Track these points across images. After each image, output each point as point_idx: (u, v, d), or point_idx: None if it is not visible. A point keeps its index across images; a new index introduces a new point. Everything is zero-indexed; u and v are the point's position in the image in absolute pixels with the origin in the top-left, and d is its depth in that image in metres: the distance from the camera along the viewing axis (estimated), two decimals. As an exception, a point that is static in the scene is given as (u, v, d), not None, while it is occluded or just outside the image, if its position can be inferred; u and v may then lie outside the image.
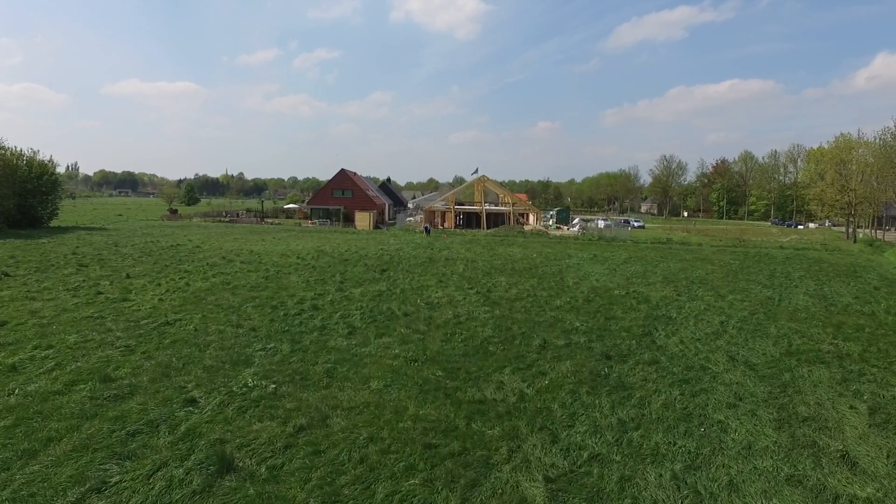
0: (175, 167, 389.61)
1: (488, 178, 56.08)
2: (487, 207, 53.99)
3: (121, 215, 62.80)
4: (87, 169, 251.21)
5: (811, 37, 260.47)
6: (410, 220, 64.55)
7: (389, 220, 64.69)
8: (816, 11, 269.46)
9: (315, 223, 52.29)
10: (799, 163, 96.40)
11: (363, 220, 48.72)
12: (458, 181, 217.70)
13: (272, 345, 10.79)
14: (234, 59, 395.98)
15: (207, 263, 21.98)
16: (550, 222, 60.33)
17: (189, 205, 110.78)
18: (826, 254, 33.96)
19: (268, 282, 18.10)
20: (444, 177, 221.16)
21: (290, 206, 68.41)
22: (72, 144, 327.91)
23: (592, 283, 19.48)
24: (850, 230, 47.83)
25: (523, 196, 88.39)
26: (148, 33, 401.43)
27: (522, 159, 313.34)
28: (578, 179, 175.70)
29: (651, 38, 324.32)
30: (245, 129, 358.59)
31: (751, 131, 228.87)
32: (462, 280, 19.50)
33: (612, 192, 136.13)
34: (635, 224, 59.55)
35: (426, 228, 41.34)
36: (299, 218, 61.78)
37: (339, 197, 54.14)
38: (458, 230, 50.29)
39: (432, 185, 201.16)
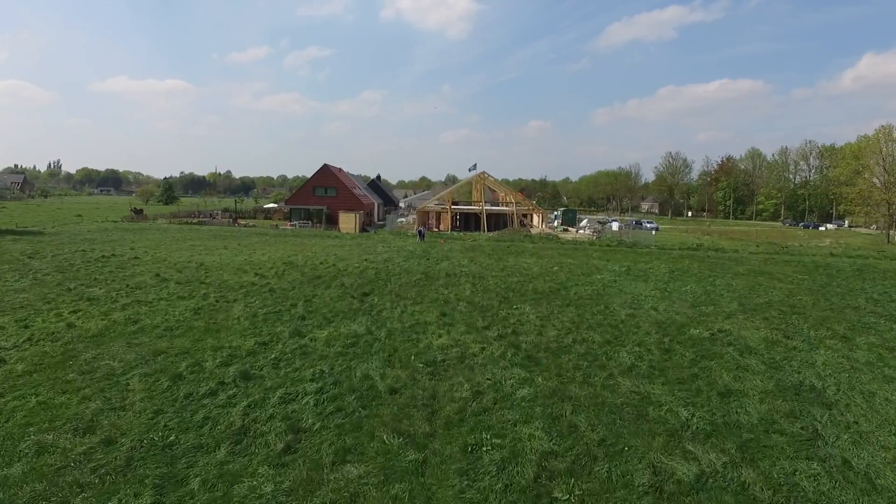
0: (166, 165, 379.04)
1: (489, 175, 50.68)
2: (488, 208, 48.56)
3: (80, 216, 56.52)
4: (75, 167, 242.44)
5: (799, 37, 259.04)
6: (402, 222, 58.94)
7: (379, 220, 59.17)
8: (805, 12, 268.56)
9: (294, 225, 46.59)
10: (811, 160, 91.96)
11: (348, 221, 43.06)
12: (451, 179, 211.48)
13: None
14: (225, 56, 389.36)
15: (129, 285, 16.38)
16: (555, 223, 55.13)
17: (167, 204, 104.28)
18: (893, 263, 28.97)
19: (196, 318, 12.57)
20: (436, 176, 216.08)
21: (271, 205, 62.56)
22: (59, 142, 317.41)
23: (653, 315, 14.14)
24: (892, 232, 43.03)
25: (520, 195, 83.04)
26: (137, 30, 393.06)
27: (514, 158, 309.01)
28: (572, 178, 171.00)
29: (641, 37, 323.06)
30: (236, 128, 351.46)
31: (739, 131, 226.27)
32: (473, 311, 14.08)
33: (612, 191, 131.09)
34: (648, 225, 54.37)
35: (419, 232, 35.88)
36: (279, 219, 56.02)
37: (322, 196, 48.25)
38: (455, 233, 44.87)
39: (424, 184, 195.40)
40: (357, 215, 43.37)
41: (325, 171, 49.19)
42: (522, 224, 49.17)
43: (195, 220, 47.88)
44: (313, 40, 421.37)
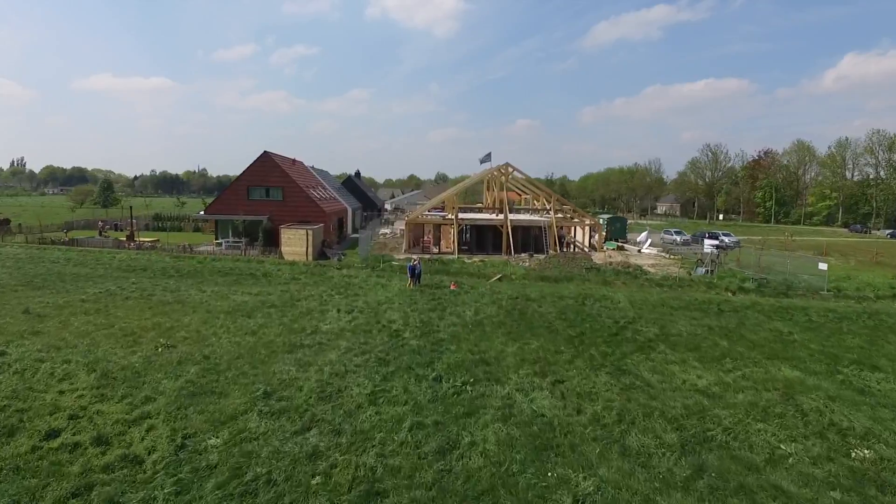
0: (150, 164, 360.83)
1: (514, 169, 34.70)
2: (514, 217, 32.73)
3: (-78, 228, 39.80)
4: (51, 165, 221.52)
5: (784, 37, 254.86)
6: (386, 234, 42.87)
7: (354, 233, 43.00)
8: (789, 12, 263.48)
9: (221, 245, 30.53)
10: (880, 154, 77.15)
11: (295, 243, 26.95)
12: (442, 178, 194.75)
13: None
14: (210, 54, 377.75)
15: None
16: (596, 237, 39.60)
17: (104, 206, 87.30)
18: None
19: None
20: (425, 174, 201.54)
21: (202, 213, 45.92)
22: (39, 140, 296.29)
23: None
24: None
25: (541, 197, 67.21)
26: (122, 27, 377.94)
27: (503, 156, 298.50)
28: (569, 177, 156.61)
29: (628, 36, 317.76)
30: (222, 126, 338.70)
31: (724, 130, 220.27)
32: None
33: (627, 190, 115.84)
34: (727, 240, 38.73)
35: (412, 270, 20.24)
36: (210, 230, 39.74)
37: (261, 200, 31.80)
38: (465, 258, 29.06)
39: (413, 182, 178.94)
40: (310, 233, 27.20)
41: (267, 161, 32.60)
42: (564, 243, 33.40)
43: (67, 239, 31.32)
44: (300, 38, 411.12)
